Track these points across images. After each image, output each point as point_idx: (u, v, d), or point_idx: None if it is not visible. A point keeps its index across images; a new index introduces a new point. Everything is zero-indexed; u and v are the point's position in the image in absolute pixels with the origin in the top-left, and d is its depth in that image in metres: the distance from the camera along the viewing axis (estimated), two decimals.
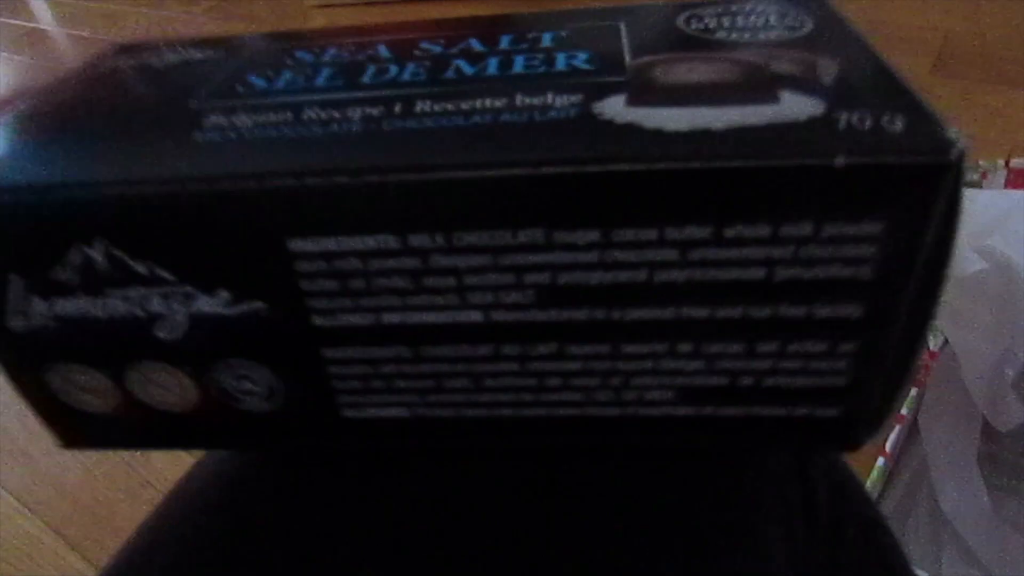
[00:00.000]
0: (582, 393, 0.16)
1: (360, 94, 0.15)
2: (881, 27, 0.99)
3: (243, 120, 0.15)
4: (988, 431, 0.50)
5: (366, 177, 0.13)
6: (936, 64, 0.93)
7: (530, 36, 0.17)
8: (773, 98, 0.14)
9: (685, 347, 0.15)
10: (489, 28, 0.18)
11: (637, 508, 0.20)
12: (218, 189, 0.13)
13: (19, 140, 0.15)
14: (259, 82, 0.16)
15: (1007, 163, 0.68)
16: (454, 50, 0.17)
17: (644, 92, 0.14)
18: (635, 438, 0.17)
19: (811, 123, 0.13)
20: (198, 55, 0.18)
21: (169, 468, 0.53)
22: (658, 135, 0.13)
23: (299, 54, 0.18)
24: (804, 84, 0.14)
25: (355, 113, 0.15)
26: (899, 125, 0.12)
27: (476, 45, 0.17)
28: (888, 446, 0.43)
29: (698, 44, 0.16)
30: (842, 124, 0.13)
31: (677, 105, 0.14)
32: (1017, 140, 0.78)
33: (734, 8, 0.17)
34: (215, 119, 0.15)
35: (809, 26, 0.16)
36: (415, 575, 0.19)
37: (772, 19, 0.17)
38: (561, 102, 0.14)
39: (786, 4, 0.17)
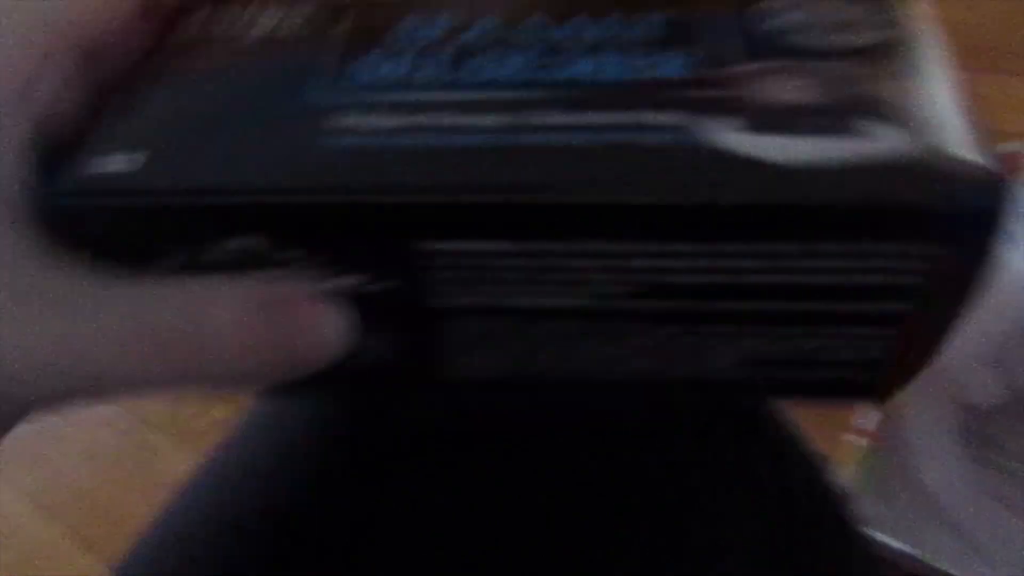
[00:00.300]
0: (660, 360, 0.17)
1: (476, 95, 0.16)
2: None
3: (361, 123, 0.15)
4: (969, 407, 0.52)
5: (490, 196, 0.14)
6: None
7: (635, 19, 0.17)
8: (849, 129, 0.14)
9: (756, 329, 0.16)
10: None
11: (602, 502, 0.22)
12: (350, 200, 0.15)
13: (151, 135, 0.16)
14: (365, 72, 0.16)
15: None
16: (562, 36, 0.17)
17: (743, 116, 0.15)
18: (700, 396, 0.19)
19: (881, 162, 0.14)
20: (292, 19, 0.18)
21: (183, 467, 0.54)
22: (750, 166, 0.14)
23: (404, 27, 0.17)
24: (876, 112, 0.15)
25: (473, 121, 0.15)
26: (950, 168, 0.14)
27: (583, 29, 0.17)
28: (869, 426, 0.45)
29: (784, 50, 0.16)
30: (904, 162, 0.14)
31: (765, 132, 0.14)
32: (1005, 127, 0.79)
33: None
34: (337, 121, 0.15)
35: (885, 33, 0.16)
36: (420, 569, 0.21)
37: (854, 17, 0.17)
38: (662, 121, 0.15)
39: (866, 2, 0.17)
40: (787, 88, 0.15)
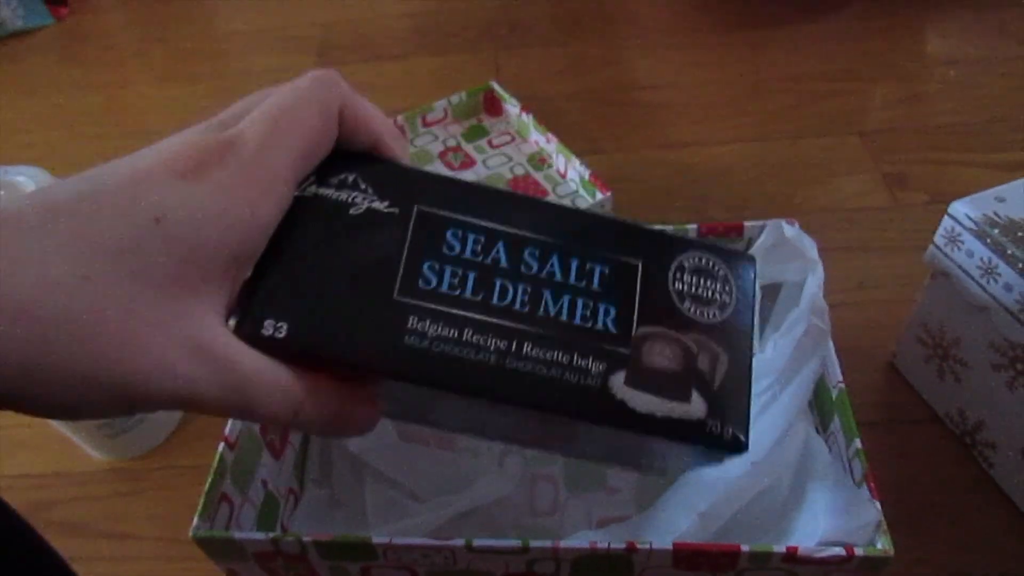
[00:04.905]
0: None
1: (494, 320, 0.25)
2: (266, 33, 1.06)
3: (430, 330, 0.25)
4: None
5: (495, 404, 0.25)
6: (320, 55, 1.01)
7: (587, 268, 0.27)
8: (688, 398, 0.25)
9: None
10: (561, 244, 0.27)
11: None
12: (417, 381, 0.25)
13: (290, 308, 0.24)
14: (432, 279, 0.25)
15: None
16: (543, 275, 0.26)
17: (634, 373, 0.25)
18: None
19: (696, 421, 0.25)
20: (378, 206, 0.26)
21: None
22: (630, 413, 0.25)
23: (449, 238, 0.26)
24: (705, 386, 0.26)
25: (491, 343, 0.25)
26: (730, 433, 0.25)
27: (556, 270, 0.26)
28: (228, 431, 0.44)
29: (672, 318, 0.27)
30: (707, 428, 0.25)
31: (646, 391, 0.25)
32: (394, 106, 0.86)
33: (701, 270, 0.28)
34: (415, 324, 0.25)
35: (729, 310, 0.27)
36: None
37: (716, 292, 0.27)
38: (595, 369, 0.25)
39: (728, 272, 0.28)
40: (660, 354, 0.26)
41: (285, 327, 0.24)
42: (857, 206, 0.71)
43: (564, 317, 0.26)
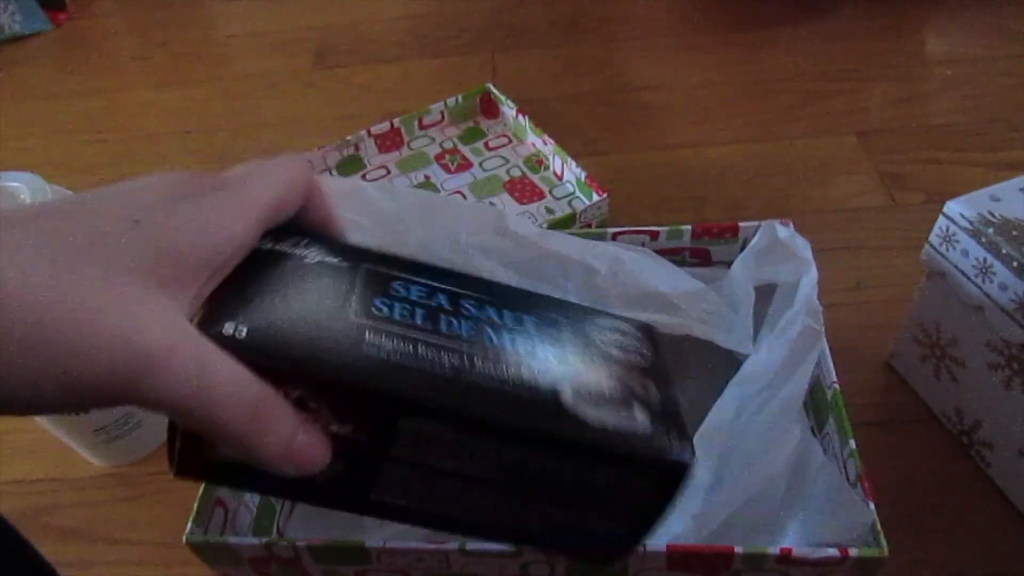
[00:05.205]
0: (506, 515, 0.28)
1: (446, 341, 0.27)
2: (264, 37, 1.06)
3: (386, 344, 0.25)
4: None
5: (437, 407, 0.25)
6: (317, 58, 1.00)
7: (520, 317, 0.29)
8: (633, 415, 0.27)
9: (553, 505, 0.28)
10: (494, 300, 0.30)
11: None
12: (376, 390, 0.24)
13: (252, 315, 0.25)
14: (384, 308, 0.27)
15: (369, 132, 0.79)
16: (483, 317, 0.29)
17: (581, 392, 0.27)
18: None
19: (644, 434, 0.26)
20: (329, 260, 0.28)
21: None
22: (582, 425, 0.26)
23: (395, 286, 0.28)
24: (646, 407, 0.27)
25: (445, 358, 0.26)
26: (676, 446, 0.27)
27: (493, 315, 0.29)
28: None
29: (604, 357, 0.29)
30: (655, 442, 0.26)
31: (594, 409, 0.27)
32: (391, 108, 0.87)
33: (625, 333, 0.31)
34: (371, 337, 0.25)
35: (650, 359, 0.30)
36: None
37: (637, 347, 0.31)
38: (544, 386, 0.27)
39: (642, 338, 0.31)
40: (601, 380, 0.28)
41: (246, 330, 0.24)
42: (855, 206, 0.71)
43: (508, 346, 0.28)
